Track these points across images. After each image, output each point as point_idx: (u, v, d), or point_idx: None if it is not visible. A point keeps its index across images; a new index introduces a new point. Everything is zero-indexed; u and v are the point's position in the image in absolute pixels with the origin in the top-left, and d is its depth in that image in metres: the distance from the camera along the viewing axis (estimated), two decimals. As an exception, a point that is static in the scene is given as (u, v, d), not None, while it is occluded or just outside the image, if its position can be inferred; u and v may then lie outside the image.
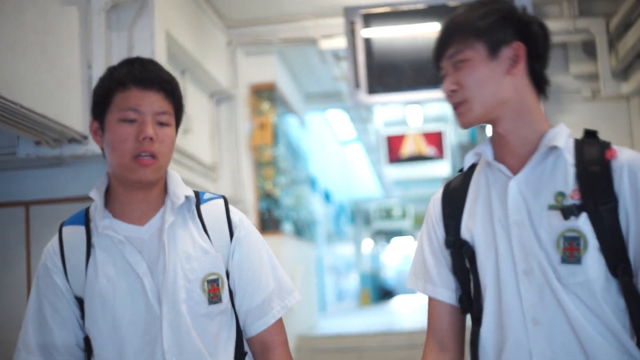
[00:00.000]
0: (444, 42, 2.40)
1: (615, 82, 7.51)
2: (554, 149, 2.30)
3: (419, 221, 29.44)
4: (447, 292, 2.51)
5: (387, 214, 26.74)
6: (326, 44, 7.61)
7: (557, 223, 2.23)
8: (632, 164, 2.21)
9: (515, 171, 2.35)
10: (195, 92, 7.02)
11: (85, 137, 4.83)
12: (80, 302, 2.52)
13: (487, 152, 2.43)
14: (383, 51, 6.64)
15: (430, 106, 13.13)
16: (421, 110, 13.28)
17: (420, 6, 6.69)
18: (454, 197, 2.52)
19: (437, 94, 6.73)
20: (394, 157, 15.27)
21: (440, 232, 2.53)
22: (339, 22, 6.86)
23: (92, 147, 4.90)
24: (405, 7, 6.70)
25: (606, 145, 2.28)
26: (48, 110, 4.34)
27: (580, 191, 2.23)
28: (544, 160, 2.32)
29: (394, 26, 6.73)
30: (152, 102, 2.46)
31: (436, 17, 6.65)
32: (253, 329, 2.62)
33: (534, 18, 2.37)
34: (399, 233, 31.59)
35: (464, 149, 16.19)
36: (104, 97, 2.48)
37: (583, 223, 2.19)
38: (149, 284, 2.45)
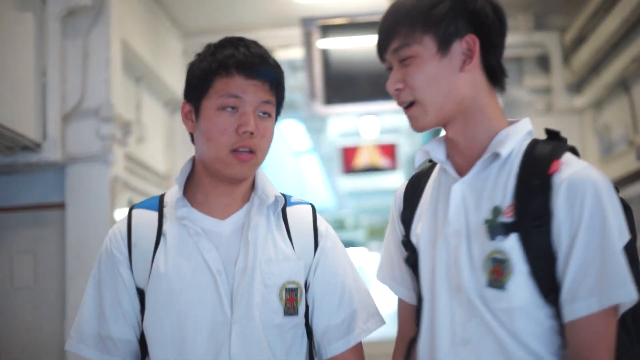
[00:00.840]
0: (387, 33, 2.16)
1: (569, 95, 7.60)
2: (497, 155, 2.07)
3: (372, 232, 29.50)
4: (409, 293, 2.31)
5: (340, 225, 26.74)
6: (283, 54, 7.60)
7: (487, 241, 2.02)
8: (573, 180, 1.96)
9: (463, 173, 2.14)
10: (150, 100, 6.97)
11: (38, 145, 4.79)
12: (141, 294, 2.32)
13: (438, 150, 2.20)
14: (340, 62, 6.65)
15: (386, 117, 13.15)
16: (377, 122, 13.30)
17: (377, 18, 6.66)
18: (412, 193, 2.31)
19: (394, 105, 6.75)
20: (349, 168, 15.28)
21: (399, 229, 2.32)
22: (296, 32, 6.86)
23: (46, 155, 4.86)
24: (362, 19, 6.73)
25: (555, 155, 2.02)
26: (1, 118, 4.28)
27: (514, 207, 2.00)
28: (490, 166, 2.09)
29: (351, 37, 6.74)
30: (256, 91, 2.28)
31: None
32: (329, 350, 2.39)
33: (488, 2, 2.12)
34: (351, 244, 31.63)
35: (418, 160, 16.27)
36: (203, 79, 2.30)
37: (511, 245, 1.97)
38: (223, 283, 2.25)
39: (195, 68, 2.34)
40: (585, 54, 7.10)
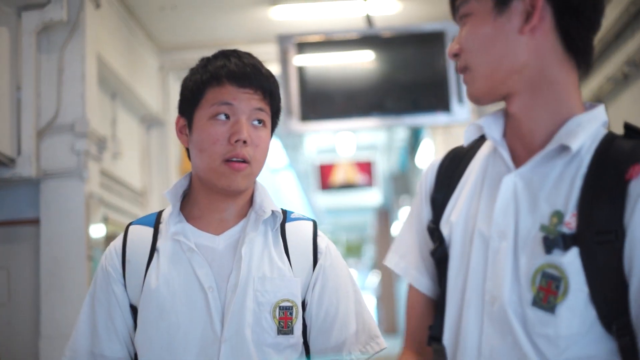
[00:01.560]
0: None
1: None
2: (565, 149, 1.70)
3: (350, 249, 29.51)
4: (431, 284, 1.94)
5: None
6: (259, 71, 7.61)
7: (540, 251, 1.66)
8: None
9: (520, 163, 1.77)
10: (125, 116, 6.96)
11: (12, 160, 4.76)
12: (135, 311, 2.28)
13: (494, 127, 1.83)
14: (316, 79, 6.66)
15: (362, 134, 13.19)
16: (354, 138, 13.34)
17: (353, 36, 6.73)
18: (451, 171, 1.94)
19: (369, 122, 6.77)
20: (326, 184, 15.31)
21: (427, 211, 1.95)
22: (272, 49, 6.86)
23: (20, 170, 4.82)
24: (338, 37, 6.74)
25: (636, 157, 1.64)
26: (-26, 132, 4.25)
27: (578, 216, 1.64)
28: (554, 159, 1.72)
29: (327, 54, 6.76)
30: (249, 99, 2.23)
31: (369, 47, 6.70)
32: None
33: None
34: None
35: (394, 178, 16.32)
36: (195, 91, 2.26)
37: (570, 261, 1.61)
38: (214, 300, 2.20)
39: (188, 81, 2.31)
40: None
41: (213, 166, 2.21)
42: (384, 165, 16.04)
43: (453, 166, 1.95)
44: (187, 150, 2.35)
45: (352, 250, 30.72)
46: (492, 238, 1.74)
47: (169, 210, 2.34)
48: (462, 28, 1.80)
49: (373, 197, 18.03)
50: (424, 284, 1.95)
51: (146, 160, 7.49)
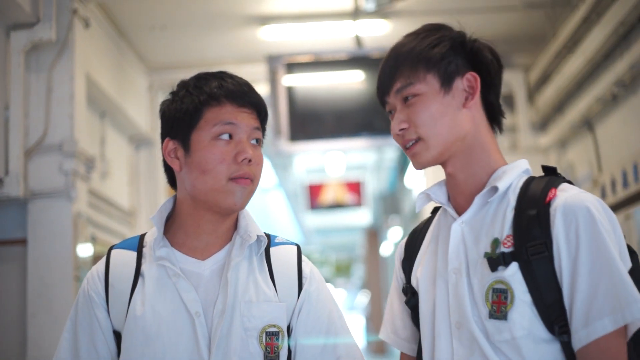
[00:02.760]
0: (390, 74, 2.16)
1: (534, 134, 7.67)
2: (495, 189, 2.08)
3: (339, 269, 29.48)
4: (411, 345, 2.30)
5: (307, 261, 26.70)
6: (248, 91, 7.61)
7: (487, 273, 1.99)
8: (567, 206, 1.95)
9: (462, 214, 2.14)
10: (114, 135, 6.94)
11: (0, 180, 4.73)
12: (118, 336, 2.24)
13: (439, 192, 2.22)
14: (305, 99, 6.67)
15: (351, 155, 13.20)
16: (343, 158, 13.34)
17: (342, 56, 6.74)
18: (414, 239, 2.32)
19: (359, 142, 6.78)
20: (315, 204, 15.29)
21: (400, 277, 2.32)
22: (261, 69, 6.87)
23: (8, 190, 4.81)
24: (327, 57, 6.75)
25: (552, 184, 2.03)
26: (-39, 152, 4.23)
27: (513, 237, 1.99)
28: (489, 202, 2.10)
29: (317, 75, 6.76)
30: (248, 118, 2.23)
31: (358, 67, 6.71)
32: None
33: (485, 44, 2.18)
34: (318, 281, 31.53)
35: (383, 198, 16.32)
36: (192, 112, 2.22)
37: (512, 274, 1.95)
38: (201, 326, 2.17)
39: (179, 103, 2.26)
40: (549, 93, 7.17)
41: (218, 186, 2.18)
42: (373, 185, 16.03)
43: (414, 239, 2.32)
44: (169, 173, 2.34)
45: (341, 270, 30.69)
46: (449, 275, 2.09)
47: (152, 234, 2.31)
48: (403, 107, 2.12)
49: (362, 217, 18.01)
50: (403, 346, 2.32)
51: (135, 179, 7.47)
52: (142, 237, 2.35)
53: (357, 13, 6.74)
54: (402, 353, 2.34)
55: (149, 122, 7.53)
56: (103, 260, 2.32)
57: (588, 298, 1.88)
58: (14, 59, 4.94)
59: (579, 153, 7.06)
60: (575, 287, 1.90)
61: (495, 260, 1.99)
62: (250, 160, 2.20)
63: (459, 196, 2.16)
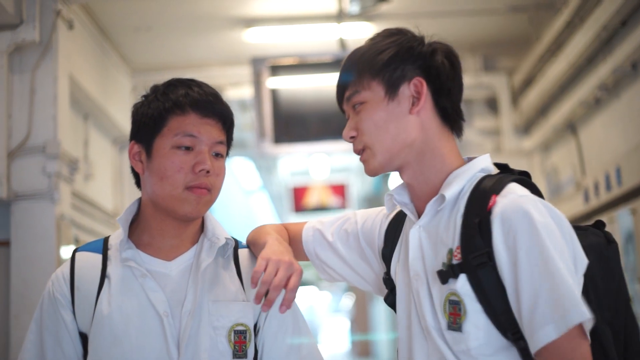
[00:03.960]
0: (340, 83, 2.21)
1: (517, 137, 7.70)
2: (443, 198, 2.06)
3: (322, 272, 29.45)
4: (314, 259, 2.44)
5: (291, 264, 26.59)
6: (232, 93, 7.60)
7: (444, 285, 2.00)
8: (504, 213, 1.93)
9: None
10: (98, 137, 6.92)
11: (-18, 181, 4.72)
12: (84, 338, 2.25)
13: (403, 194, 2.21)
14: (289, 102, 6.67)
15: (336, 157, 13.20)
16: (327, 161, 13.34)
17: (326, 59, 6.74)
18: (393, 232, 2.29)
19: (343, 145, 6.77)
20: (299, 207, 15.28)
21: (378, 261, 2.33)
22: (246, 71, 6.87)
23: (-11, 191, 4.79)
24: (312, 59, 6.76)
25: (495, 189, 1.99)
26: (-56, 153, 4.21)
27: (461, 248, 1.98)
28: (443, 209, 2.08)
29: (301, 77, 6.77)
30: (210, 130, 2.25)
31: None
32: None
33: (439, 47, 2.14)
34: (302, 283, 31.46)
35: (368, 200, 16.32)
36: (157, 118, 2.25)
37: (462, 286, 1.95)
38: (169, 326, 2.19)
39: (147, 108, 2.29)
40: (533, 97, 7.19)
41: (174, 193, 2.22)
42: (357, 188, 16.02)
43: (394, 228, 2.29)
44: (137, 177, 2.36)
45: (326, 273, 30.67)
46: (411, 281, 2.10)
47: (117, 237, 2.33)
48: (354, 115, 2.14)
49: (346, 219, 17.99)
50: (313, 260, 2.46)
51: (118, 181, 7.46)
52: (106, 239, 2.38)
53: (341, 16, 6.75)
54: (300, 242, 2.45)
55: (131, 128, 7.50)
56: (67, 263, 2.34)
57: (530, 306, 1.87)
58: (-3, 60, 4.92)
59: (563, 156, 7.09)
60: (519, 295, 1.89)
61: (445, 273, 1.98)
62: (208, 172, 2.22)
63: (417, 201, 2.16)
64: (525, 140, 7.70)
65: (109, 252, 2.32)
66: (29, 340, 2.30)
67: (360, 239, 2.39)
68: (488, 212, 1.95)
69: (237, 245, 2.41)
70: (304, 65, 6.74)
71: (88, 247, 2.37)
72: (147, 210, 2.32)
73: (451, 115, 2.15)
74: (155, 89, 2.33)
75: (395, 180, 11.37)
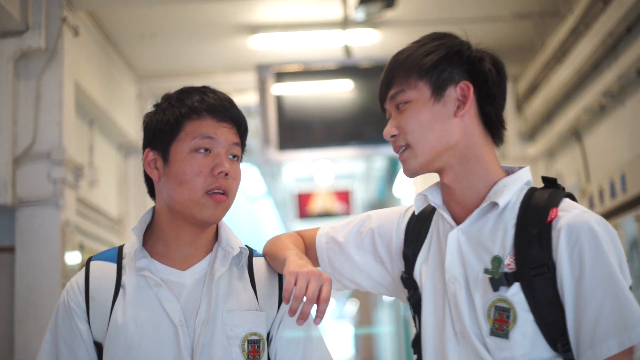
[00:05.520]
0: (386, 82, 2.18)
1: (522, 144, 7.69)
2: (495, 205, 2.07)
3: (326, 278, 29.40)
4: (329, 272, 2.38)
5: (295, 271, 26.49)
6: (237, 99, 7.55)
7: (489, 290, 2.01)
8: (570, 226, 1.95)
9: (459, 221, 2.14)
10: (103, 143, 6.93)
11: (-13, 187, 4.72)
12: (99, 347, 2.25)
13: (436, 195, 2.21)
14: (294, 108, 6.66)
15: (340, 163, 13.20)
16: (332, 167, 13.33)
17: (331, 65, 6.74)
18: (417, 231, 2.29)
19: (347, 151, 6.78)
20: (304, 213, 15.27)
21: (396, 262, 2.32)
22: (251, 77, 6.87)
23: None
24: (317, 66, 6.76)
25: (553, 202, 2.02)
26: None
27: (515, 257, 1.99)
28: (487, 215, 2.08)
29: (306, 84, 6.77)
30: (227, 132, 2.27)
31: (347, 76, 6.71)
32: None
33: (487, 54, 2.16)
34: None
35: (373, 206, 16.31)
36: (173, 124, 2.25)
37: (514, 294, 1.96)
38: (184, 335, 2.19)
39: (161, 115, 2.30)
40: (538, 103, 7.18)
41: (194, 198, 2.22)
42: (362, 195, 16.01)
43: (417, 227, 2.29)
44: (149, 185, 2.38)
45: (330, 279, 30.59)
46: (447, 284, 2.10)
47: (131, 245, 2.33)
48: (396, 114, 2.14)
49: (351, 226, 17.97)
50: (326, 268, 2.41)
51: (123, 187, 7.46)
52: (120, 248, 2.37)
53: (346, 22, 6.75)
54: (312, 249, 2.44)
55: (137, 130, 7.51)
56: (82, 272, 2.34)
57: (593, 319, 1.89)
58: (3, 67, 4.92)
59: (567, 163, 7.08)
60: (580, 309, 1.91)
61: (498, 281, 1.99)
62: (226, 174, 2.23)
63: (455, 205, 2.16)
64: (530, 147, 7.69)
65: (124, 261, 2.32)
66: (44, 350, 2.31)
67: (376, 240, 2.38)
68: (548, 224, 1.98)
69: (251, 253, 2.41)
70: (309, 72, 6.74)
71: (102, 256, 2.37)
72: (162, 218, 2.32)
73: (494, 122, 2.16)
74: (167, 97, 2.34)
75: (400, 188, 11.37)
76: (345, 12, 6.59)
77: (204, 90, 2.32)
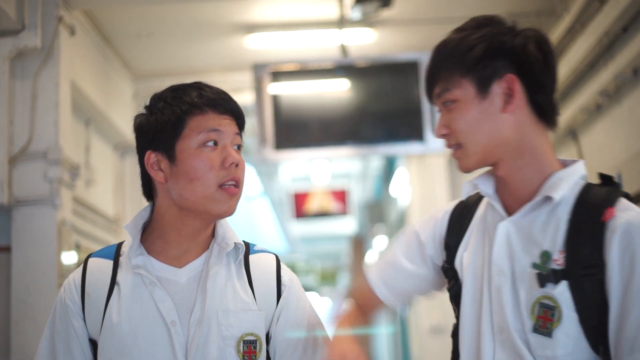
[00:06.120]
0: (430, 79, 2.13)
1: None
2: (549, 199, 2.01)
3: (324, 277, 29.45)
4: (392, 298, 2.35)
5: (292, 270, 26.60)
6: (234, 98, 7.60)
7: (535, 286, 1.95)
8: (626, 229, 1.88)
9: (511, 212, 2.08)
10: (99, 143, 6.93)
11: (-17, 187, 4.72)
12: (94, 345, 2.24)
13: (487, 184, 2.15)
14: (290, 108, 6.67)
15: (337, 163, 13.21)
16: (328, 167, 13.35)
17: (328, 65, 6.75)
18: (460, 221, 2.25)
19: (344, 151, 6.78)
20: (300, 213, 15.28)
21: (438, 252, 2.28)
22: (247, 77, 6.88)
23: (-9, 196, 4.79)
24: (313, 65, 6.76)
25: (609, 202, 1.96)
26: (-54, 158, 4.21)
27: (565, 254, 1.93)
28: (539, 208, 2.03)
29: (302, 83, 6.77)
30: (230, 124, 2.25)
31: (344, 76, 6.72)
32: None
33: (532, 37, 2.07)
34: (304, 289, 31.39)
35: (370, 206, 16.33)
36: (175, 122, 2.22)
37: (561, 292, 1.91)
38: (177, 335, 2.16)
39: (159, 115, 2.26)
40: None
41: (207, 193, 2.19)
42: (358, 194, 16.02)
43: (461, 217, 2.24)
44: (145, 187, 2.36)
45: (327, 279, 30.62)
46: (492, 276, 2.04)
47: (129, 243, 2.31)
48: (445, 112, 2.08)
49: (348, 225, 17.99)
50: (383, 292, 2.35)
51: (120, 187, 7.46)
52: (119, 245, 2.35)
53: (343, 22, 6.75)
54: (370, 291, 2.38)
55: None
56: (80, 269, 2.33)
57: (637, 326, 1.84)
58: (-1, 66, 4.93)
59: (564, 162, 7.08)
60: (625, 313, 1.85)
61: (546, 277, 1.94)
62: (237, 165, 2.21)
63: (508, 196, 2.10)
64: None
65: (120, 258, 2.30)
66: (42, 346, 2.31)
67: (422, 239, 2.33)
68: (602, 224, 1.92)
69: (248, 250, 2.38)
70: (306, 72, 6.75)
71: (100, 253, 2.36)
72: (166, 217, 2.29)
73: (546, 111, 2.09)
74: (159, 97, 2.31)
75: (397, 187, 11.38)
76: (342, 11, 6.59)
77: (199, 86, 2.30)
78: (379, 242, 15.00)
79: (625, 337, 1.85)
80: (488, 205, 2.18)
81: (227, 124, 2.25)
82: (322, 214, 15.23)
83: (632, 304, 1.84)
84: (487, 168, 2.17)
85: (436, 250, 2.29)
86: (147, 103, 2.36)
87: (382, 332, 17.15)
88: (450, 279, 2.22)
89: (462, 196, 2.24)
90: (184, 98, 2.25)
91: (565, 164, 2.10)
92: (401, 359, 13.24)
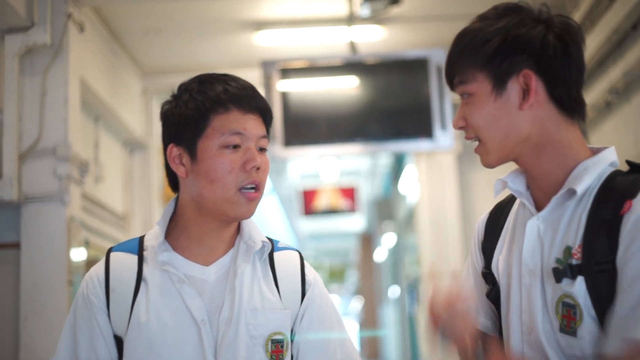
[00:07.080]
0: (448, 70, 2.04)
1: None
2: (573, 192, 1.91)
3: (333, 274, 29.47)
4: (487, 322, 2.15)
5: (301, 267, 26.49)
6: (243, 96, 7.60)
7: (557, 284, 1.87)
8: (637, 221, 1.77)
9: (542, 208, 1.98)
10: (108, 140, 6.94)
11: (-7, 183, 4.73)
12: (119, 341, 2.18)
13: (517, 181, 2.05)
14: (299, 105, 6.66)
15: (345, 160, 13.20)
16: (337, 164, 13.34)
17: (337, 62, 6.74)
18: (494, 223, 2.17)
19: (353, 148, 6.77)
20: (309, 210, 15.27)
21: (479, 259, 2.18)
22: (256, 74, 6.87)
23: (1, 194, 4.85)
24: (322, 63, 6.75)
25: (630, 193, 1.82)
26: (-45, 155, 4.23)
27: (582, 249, 1.84)
28: (567, 202, 1.93)
29: (311, 80, 6.77)
30: (254, 125, 2.18)
31: (353, 73, 6.71)
32: None
33: (553, 27, 1.93)
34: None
35: (378, 204, 16.33)
36: (198, 119, 2.16)
37: (578, 289, 1.82)
38: (207, 334, 2.12)
39: (184, 108, 2.19)
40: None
41: (227, 196, 2.15)
42: (367, 191, 16.01)
43: (497, 217, 2.18)
44: (171, 178, 2.29)
45: (335, 276, 30.64)
46: (523, 276, 1.97)
47: (152, 237, 2.26)
48: (463, 103, 2.00)
49: (356, 222, 17.99)
50: (483, 324, 2.14)
51: (128, 184, 7.47)
52: (141, 239, 2.30)
53: (351, 19, 6.75)
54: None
55: (143, 127, 7.53)
56: (102, 264, 2.26)
57: (630, 307, 1.74)
58: (8, 63, 4.94)
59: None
60: (621, 295, 1.77)
61: (561, 272, 1.85)
62: (258, 168, 2.16)
63: (537, 191, 2.01)
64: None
65: (145, 253, 2.25)
66: (62, 343, 2.24)
67: (473, 257, 2.23)
68: (620, 217, 1.81)
69: (273, 247, 2.33)
70: (314, 68, 6.74)
71: (122, 247, 2.29)
72: (187, 212, 2.24)
73: (570, 103, 1.95)
74: (186, 87, 2.25)
75: (406, 185, 11.37)
76: (351, 8, 6.58)
77: (226, 79, 2.23)
78: (388, 240, 15.00)
79: (617, 316, 1.76)
80: (520, 203, 2.09)
81: (252, 125, 2.18)
82: (331, 211, 15.23)
83: (627, 286, 1.75)
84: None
85: (478, 258, 2.22)
86: (174, 92, 2.29)
87: (390, 332, 17.16)
88: (490, 284, 2.12)
89: (494, 195, 2.12)
90: (208, 93, 2.19)
91: (594, 152, 1.99)
92: (409, 357, 13.23)
